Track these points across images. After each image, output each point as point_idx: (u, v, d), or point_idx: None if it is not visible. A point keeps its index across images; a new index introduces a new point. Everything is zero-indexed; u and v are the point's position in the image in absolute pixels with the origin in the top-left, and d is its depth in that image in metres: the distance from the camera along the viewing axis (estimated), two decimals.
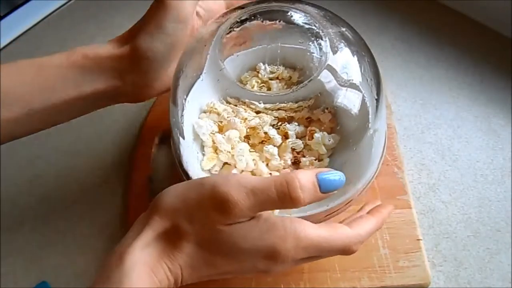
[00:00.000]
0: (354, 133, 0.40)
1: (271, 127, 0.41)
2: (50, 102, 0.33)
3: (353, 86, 0.40)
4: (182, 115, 0.39)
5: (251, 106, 0.40)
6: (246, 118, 0.41)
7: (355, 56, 0.40)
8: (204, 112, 0.42)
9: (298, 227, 0.26)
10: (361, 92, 0.40)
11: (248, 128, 0.41)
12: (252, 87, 0.43)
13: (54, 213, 0.44)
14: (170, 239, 0.26)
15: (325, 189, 0.26)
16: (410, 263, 0.38)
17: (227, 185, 0.25)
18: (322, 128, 0.43)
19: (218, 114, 0.41)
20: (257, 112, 0.44)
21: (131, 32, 0.35)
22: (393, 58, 0.55)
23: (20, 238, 0.43)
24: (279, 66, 0.44)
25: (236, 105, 0.43)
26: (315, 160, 0.40)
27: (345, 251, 0.28)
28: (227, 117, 0.41)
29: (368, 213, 0.32)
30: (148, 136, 0.47)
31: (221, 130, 0.42)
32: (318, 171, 0.27)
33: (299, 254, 0.27)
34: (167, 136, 0.48)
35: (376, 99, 0.39)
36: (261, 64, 0.44)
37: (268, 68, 0.44)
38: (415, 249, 0.39)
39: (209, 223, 0.25)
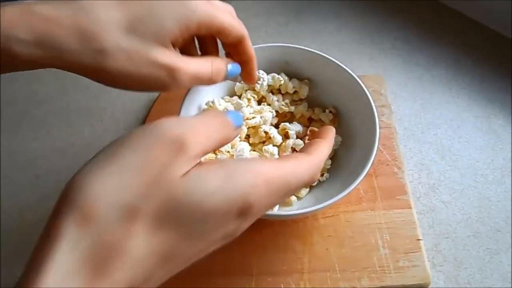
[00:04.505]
0: (356, 133, 0.40)
1: (271, 127, 0.41)
2: None
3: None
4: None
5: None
6: (247, 118, 0.40)
7: None
8: (203, 110, 0.42)
9: (263, 167, 0.22)
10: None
11: (249, 127, 0.41)
12: (247, 105, 0.42)
13: None
14: (104, 240, 0.18)
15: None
16: (410, 263, 0.38)
17: (178, 126, 0.21)
18: (321, 125, 0.43)
19: None
20: (259, 102, 0.44)
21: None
22: (393, 58, 0.55)
23: (20, 238, 0.43)
24: (280, 75, 0.43)
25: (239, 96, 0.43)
26: None
27: (311, 181, 0.25)
28: None
29: (315, 137, 0.30)
30: None
31: None
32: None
33: (270, 200, 0.22)
34: None
35: None
36: (259, 72, 0.42)
37: (268, 78, 0.42)
38: (415, 249, 0.39)
39: (169, 179, 0.19)
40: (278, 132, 0.40)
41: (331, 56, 0.41)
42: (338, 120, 0.43)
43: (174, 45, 0.28)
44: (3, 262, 0.41)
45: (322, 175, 0.40)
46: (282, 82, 0.42)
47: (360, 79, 0.40)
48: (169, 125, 0.21)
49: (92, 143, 0.49)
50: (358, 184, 0.34)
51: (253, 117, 0.40)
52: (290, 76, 0.44)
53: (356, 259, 0.39)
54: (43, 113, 0.52)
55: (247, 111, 0.41)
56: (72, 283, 0.17)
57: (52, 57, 0.26)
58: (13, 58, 0.25)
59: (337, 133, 0.42)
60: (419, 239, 0.39)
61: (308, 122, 0.44)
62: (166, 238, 0.19)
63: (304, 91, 0.43)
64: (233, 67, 0.33)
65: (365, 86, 0.39)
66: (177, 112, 0.38)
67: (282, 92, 0.44)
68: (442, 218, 0.43)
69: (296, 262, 0.39)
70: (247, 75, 0.35)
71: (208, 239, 0.21)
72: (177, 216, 0.19)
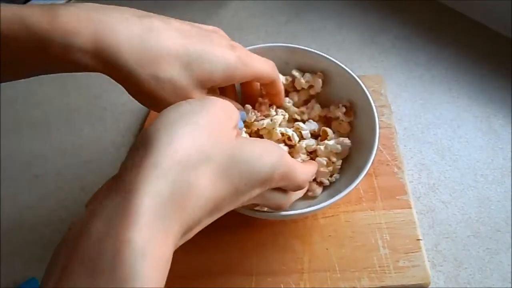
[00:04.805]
0: (356, 133, 0.40)
1: (287, 128, 0.40)
2: None
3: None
4: None
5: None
6: (255, 120, 0.39)
7: None
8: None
9: (285, 152, 0.28)
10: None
11: (259, 128, 0.40)
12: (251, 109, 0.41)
13: (54, 213, 0.44)
14: (183, 179, 0.21)
15: None
16: (410, 263, 0.38)
17: (224, 100, 0.27)
18: (339, 123, 0.42)
19: None
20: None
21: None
22: (393, 57, 0.55)
23: (20, 238, 0.43)
24: (293, 71, 0.42)
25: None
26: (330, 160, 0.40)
27: (302, 186, 0.30)
28: None
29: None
30: None
31: None
32: None
33: (280, 183, 0.27)
34: None
35: None
36: None
37: (282, 80, 0.42)
38: (415, 249, 0.39)
39: (228, 138, 0.24)
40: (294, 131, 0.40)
41: (331, 56, 0.41)
42: (354, 111, 0.41)
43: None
44: (3, 262, 0.41)
45: (331, 175, 0.40)
46: (296, 78, 0.42)
47: (360, 79, 0.40)
48: (216, 99, 0.26)
49: (92, 143, 0.49)
50: (358, 184, 0.34)
51: (262, 119, 0.39)
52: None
53: (356, 259, 0.39)
54: (43, 113, 0.52)
55: (251, 114, 0.40)
56: (163, 207, 0.20)
57: (108, 68, 0.26)
58: (67, 62, 0.25)
59: (353, 128, 0.41)
60: (419, 239, 0.39)
61: (323, 119, 0.43)
62: (222, 189, 0.23)
63: (318, 85, 0.42)
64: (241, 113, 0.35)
65: (365, 86, 0.39)
66: None
67: (298, 88, 0.43)
68: (442, 218, 0.43)
69: (296, 262, 0.39)
70: (274, 104, 0.39)
71: (243, 199, 0.25)
72: (233, 170, 0.23)
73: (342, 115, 0.41)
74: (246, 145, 0.25)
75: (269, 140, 0.28)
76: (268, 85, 0.37)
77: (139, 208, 0.19)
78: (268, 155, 0.25)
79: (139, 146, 0.22)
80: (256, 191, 0.25)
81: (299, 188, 0.30)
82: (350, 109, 0.41)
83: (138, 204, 0.19)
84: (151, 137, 0.22)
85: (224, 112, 0.25)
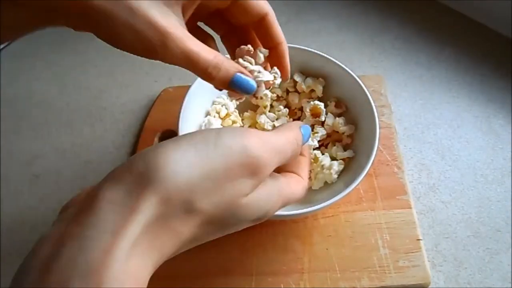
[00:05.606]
0: (356, 133, 0.40)
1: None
2: None
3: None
4: None
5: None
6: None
7: None
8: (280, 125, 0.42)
9: (284, 191, 0.26)
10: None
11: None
12: (265, 107, 0.42)
13: (54, 213, 0.44)
14: (166, 224, 0.20)
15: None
16: (410, 263, 0.38)
17: (258, 148, 0.22)
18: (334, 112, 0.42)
19: (234, 122, 0.42)
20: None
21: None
22: (393, 57, 0.55)
23: (20, 238, 0.43)
24: (295, 75, 0.42)
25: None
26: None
27: (300, 198, 0.28)
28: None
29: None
30: (148, 136, 0.47)
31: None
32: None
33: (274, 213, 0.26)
34: (166, 136, 0.48)
35: None
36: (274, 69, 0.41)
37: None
38: (415, 249, 0.39)
39: (234, 195, 0.22)
40: (309, 110, 0.40)
41: (331, 56, 0.41)
42: (343, 103, 0.42)
43: (184, 13, 0.25)
44: (3, 262, 0.41)
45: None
46: (298, 82, 0.42)
47: (360, 79, 0.40)
48: (253, 144, 0.22)
49: (92, 143, 0.49)
50: (358, 184, 0.34)
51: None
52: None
53: (356, 259, 0.39)
54: (43, 113, 0.52)
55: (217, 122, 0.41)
56: (137, 248, 0.19)
57: None
58: None
59: (344, 115, 0.42)
60: (419, 239, 0.39)
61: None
62: (207, 231, 0.22)
63: (319, 89, 0.43)
64: (248, 79, 0.27)
65: (365, 86, 0.39)
66: (178, 112, 0.38)
67: (299, 91, 0.43)
68: (442, 218, 0.43)
69: (296, 262, 0.39)
70: (275, 66, 0.31)
71: (228, 233, 0.24)
72: (225, 222, 0.22)
73: (334, 109, 0.41)
74: (256, 202, 0.23)
75: (272, 184, 0.25)
76: (260, 28, 0.29)
77: (122, 242, 0.18)
78: (267, 207, 0.24)
79: (131, 171, 0.20)
80: (248, 225, 0.24)
81: (296, 202, 0.28)
82: (339, 102, 0.42)
83: (123, 237, 0.18)
84: (150, 168, 0.20)
85: (248, 167, 0.22)
